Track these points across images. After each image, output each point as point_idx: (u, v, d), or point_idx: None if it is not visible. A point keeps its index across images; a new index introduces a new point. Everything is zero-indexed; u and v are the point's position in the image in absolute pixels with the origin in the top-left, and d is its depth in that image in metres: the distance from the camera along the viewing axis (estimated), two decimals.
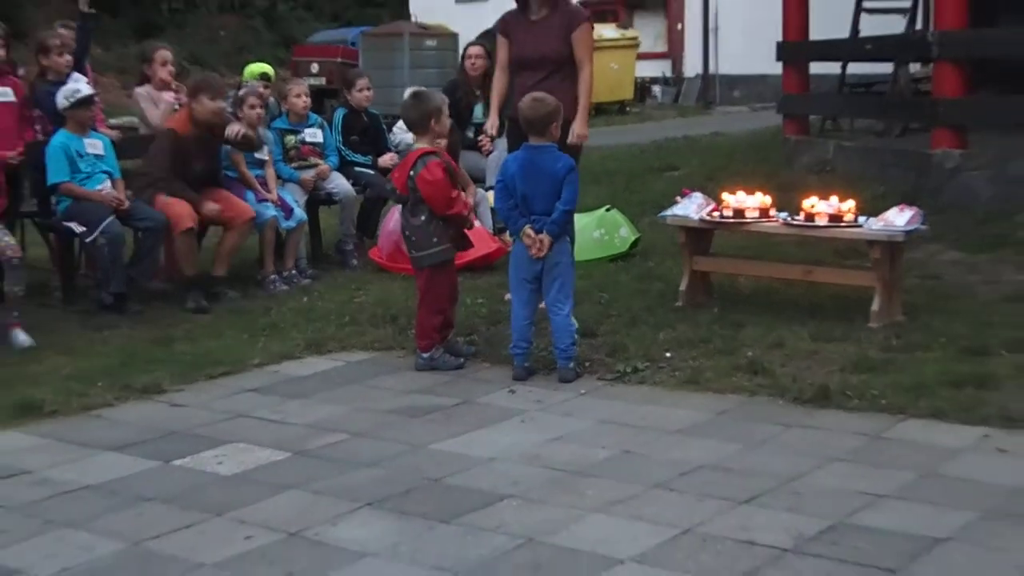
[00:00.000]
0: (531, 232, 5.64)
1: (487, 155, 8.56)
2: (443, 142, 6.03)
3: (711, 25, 26.52)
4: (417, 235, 5.92)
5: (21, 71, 8.31)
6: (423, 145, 5.95)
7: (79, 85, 7.49)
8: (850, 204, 6.59)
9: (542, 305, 5.89)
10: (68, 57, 7.92)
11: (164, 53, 8.57)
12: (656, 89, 26.48)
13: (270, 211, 8.06)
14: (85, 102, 7.35)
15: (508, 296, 6.90)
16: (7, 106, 7.43)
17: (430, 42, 23.31)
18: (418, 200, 5.86)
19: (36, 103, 7.79)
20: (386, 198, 8.90)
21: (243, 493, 4.38)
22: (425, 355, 5.97)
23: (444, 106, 6.05)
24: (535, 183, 5.70)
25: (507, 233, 6.86)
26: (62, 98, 7.33)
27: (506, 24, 7.04)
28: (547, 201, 5.69)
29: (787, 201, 7.09)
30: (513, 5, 7.01)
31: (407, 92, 9.45)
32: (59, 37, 8.12)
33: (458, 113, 7.44)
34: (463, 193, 6.00)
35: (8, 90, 7.44)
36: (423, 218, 5.87)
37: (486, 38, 10.72)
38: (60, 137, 7.31)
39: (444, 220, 5.89)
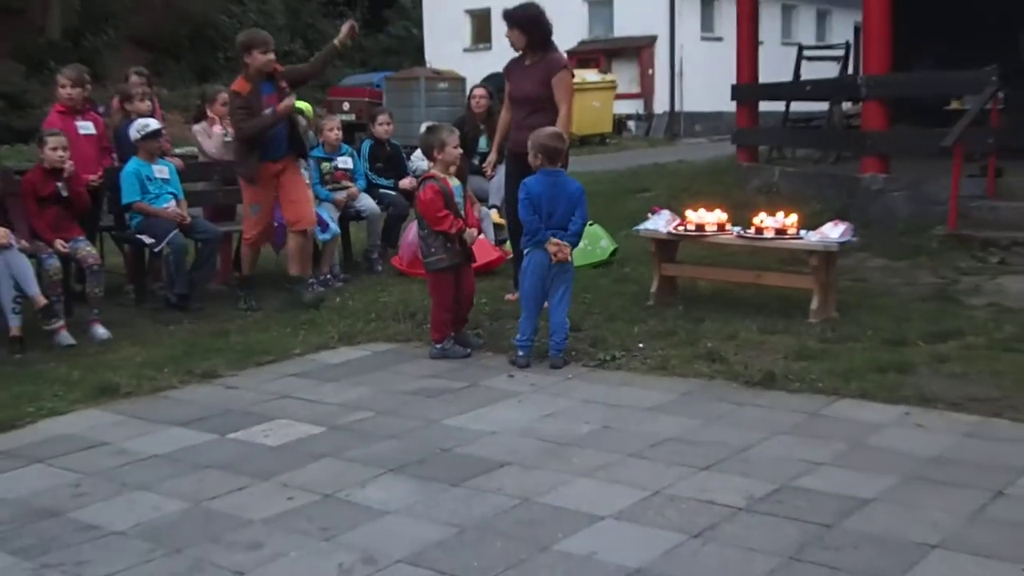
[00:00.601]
0: (558, 241, 5.65)
1: (490, 179, 8.56)
2: (453, 168, 6.02)
3: (676, 71, 26.61)
4: (423, 245, 5.96)
5: (101, 108, 8.30)
6: (433, 170, 5.97)
7: (149, 120, 7.51)
8: (793, 220, 6.60)
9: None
10: (148, 103, 7.95)
11: (223, 95, 8.58)
12: (631, 124, 26.53)
13: None
14: (153, 135, 7.37)
15: (508, 296, 6.92)
16: (89, 138, 7.46)
17: (442, 85, 23.32)
18: (420, 216, 5.89)
19: (118, 140, 7.80)
20: (405, 214, 8.92)
21: (286, 461, 4.39)
22: (438, 346, 5.98)
23: (449, 138, 6.01)
24: (557, 202, 5.71)
25: (507, 243, 6.85)
26: (134, 131, 7.36)
27: (508, 68, 7.06)
28: (564, 217, 5.72)
29: (740, 217, 7.08)
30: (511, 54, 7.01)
31: (423, 126, 9.49)
32: (140, 86, 8.15)
33: (465, 144, 7.44)
34: (457, 215, 5.89)
35: (90, 124, 7.48)
36: (426, 231, 5.90)
37: (489, 81, 10.74)
38: (132, 164, 7.33)
39: (439, 234, 5.89)
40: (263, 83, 6.79)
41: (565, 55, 7.05)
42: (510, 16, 6.71)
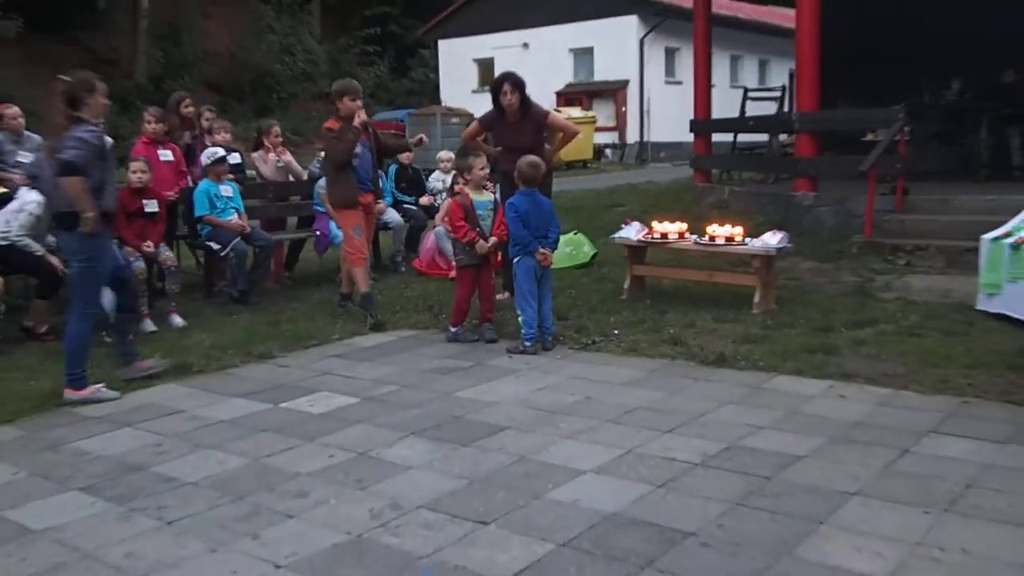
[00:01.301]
0: (544, 251, 5.67)
1: (493, 193, 8.55)
2: (481, 185, 6.06)
3: (645, 108, 26.61)
4: (453, 247, 5.98)
5: (188, 135, 8.27)
6: (465, 188, 6.05)
7: (217, 149, 7.53)
8: (739, 230, 6.62)
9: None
10: (226, 135, 7.97)
11: (276, 128, 8.60)
12: (608, 152, 26.49)
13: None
14: (220, 161, 7.38)
15: (499, 296, 6.82)
16: (168, 163, 7.49)
17: (454, 119, 23.25)
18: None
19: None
20: (424, 225, 8.91)
21: (327, 426, 4.38)
22: (453, 329, 5.97)
23: (476, 161, 6.04)
24: (539, 217, 5.73)
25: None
26: (205, 158, 7.39)
27: (488, 122, 6.90)
28: (542, 227, 5.75)
29: (697, 228, 7.07)
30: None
31: (442, 155, 9.50)
32: (219, 122, 8.17)
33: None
34: (476, 226, 5.85)
35: (169, 152, 7.52)
36: (453, 237, 5.91)
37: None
38: (203, 184, 7.34)
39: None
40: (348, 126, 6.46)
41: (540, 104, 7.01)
42: (516, 83, 6.55)
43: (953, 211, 8.42)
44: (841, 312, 6.21)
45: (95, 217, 4.69)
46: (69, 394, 4.84)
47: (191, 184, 7.64)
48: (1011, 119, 10.50)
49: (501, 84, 6.57)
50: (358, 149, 6.41)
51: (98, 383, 4.96)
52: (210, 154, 7.44)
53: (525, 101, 6.60)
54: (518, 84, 6.56)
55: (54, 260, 6.12)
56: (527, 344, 5.63)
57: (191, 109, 8.16)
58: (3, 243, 6.09)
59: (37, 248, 6.16)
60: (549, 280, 5.83)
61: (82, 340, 4.89)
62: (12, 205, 6.24)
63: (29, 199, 6.19)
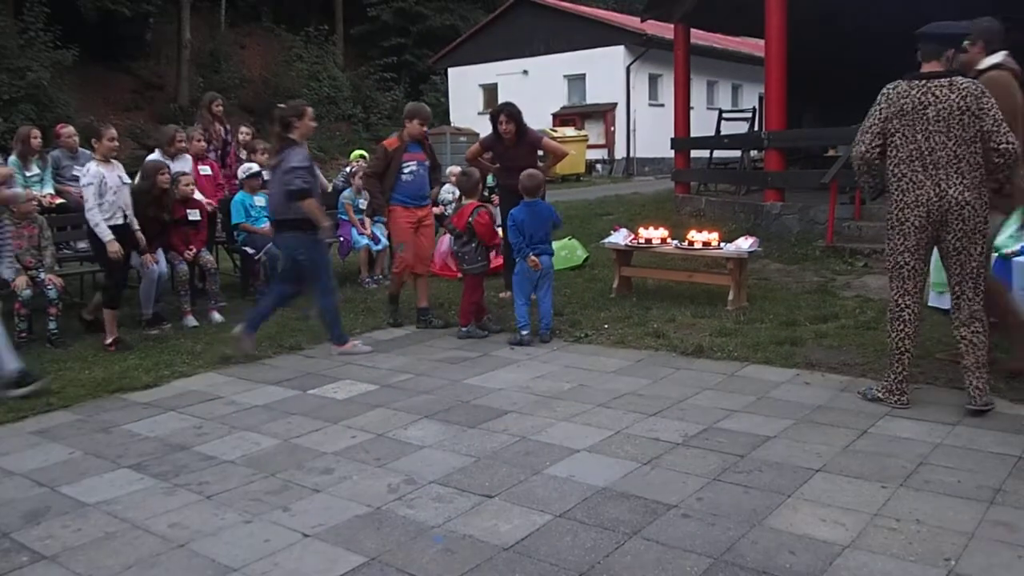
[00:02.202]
0: (533, 258, 5.64)
1: (495, 206, 8.53)
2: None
3: (631, 128, 26.57)
4: (467, 256, 5.89)
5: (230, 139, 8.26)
6: (472, 201, 5.96)
7: (251, 165, 7.53)
8: (715, 236, 6.59)
9: (532, 297, 5.85)
10: (267, 156, 7.91)
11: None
12: (598, 166, 26.44)
13: (364, 240, 8.06)
14: (255, 176, 7.36)
15: (501, 295, 6.85)
16: (207, 177, 7.46)
17: (463, 138, 23.19)
18: (472, 234, 5.82)
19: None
20: (435, 232, 8.85)
21: (350, 410, 4.37)
22: (464, 328, 5.95)
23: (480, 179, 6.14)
24: (536, 225, 5.69)
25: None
26: (241, 172, 7.38)
27: (488, 143, 6.90)
28: (543, 234, 5.73)
29: (677, 234, 7.07)
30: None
31: (451, 169, 9.47)
32: (262, 142, 8.14)
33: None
34: (499, 231, 6.02)
35: (207, 167, 7.46)
36: (473, 245, 5.85)
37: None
38: (239, 195, 7.34)
39: (485, 247, 5.89)
40: (411, 144, 6.21)
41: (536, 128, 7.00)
42: (512, 113, 6.55)
43: None
44: (805, 308, 6.20)
45: (330, 225, 5.54)
46: (335, 349, 5.49)
47: (227, 194, 7.63)
48: None
49: (499, 115, 6.61)
50: (413, 166, 6.22)
51: (354, 339, 5.58)
52: (245, 169, 7.46)
53: (520, 127, 6.60)
54: (513, 115, 6.59)
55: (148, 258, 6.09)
56: (523, 334, 5.64)
57: (221, 108, 8.10)
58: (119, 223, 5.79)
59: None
60: (549, 280, 5.81)
61: (333, 309, 5.54)
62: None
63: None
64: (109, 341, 5.76)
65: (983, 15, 4.47)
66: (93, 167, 5.66)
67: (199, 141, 7.38)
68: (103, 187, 5.63)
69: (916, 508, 2.99)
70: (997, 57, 4.24)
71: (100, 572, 2.73)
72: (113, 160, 5.79)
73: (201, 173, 7.43)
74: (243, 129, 8.49)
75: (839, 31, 11.55)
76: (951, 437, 3.68)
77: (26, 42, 21.74)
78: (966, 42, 4.22)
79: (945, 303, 5.87)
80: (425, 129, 6.27)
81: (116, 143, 5.76)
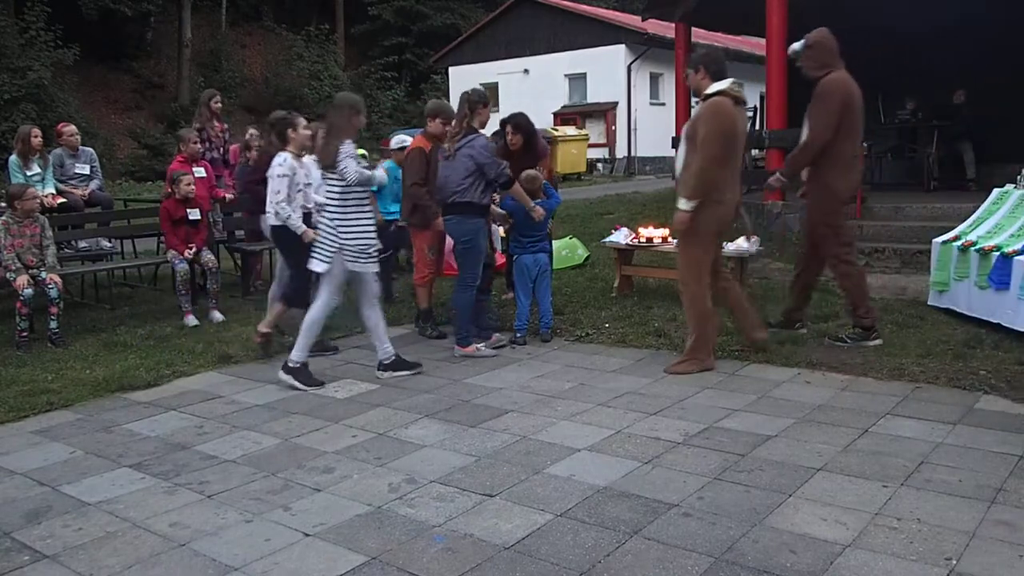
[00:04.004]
0: (540, 209, 5.63)
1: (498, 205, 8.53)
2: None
3: (632, 127, 26.56)
4: None
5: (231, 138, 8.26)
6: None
7: (405, 137, 7.21)
8: None
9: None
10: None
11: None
12: (599, 165, 26.44)
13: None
14: (403, 150, 7.14)
15: (504, 296, 6.84)
16: (202, 179, 7.31)
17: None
18: None
19: (240, 178, 7.75)
20: None
21: (351, 409, 4.37)
22: None
23: None
24: (534, 224, 5.65)
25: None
26: (394, 144, 7.22)
27: (496, 150, 6.78)
28: (537, 228, 5.69)
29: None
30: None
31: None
32: (259, 139, 8.12)
33: None
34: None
35: (202, 169, 7.37)
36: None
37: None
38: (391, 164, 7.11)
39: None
40: (438, 146, 5.94)
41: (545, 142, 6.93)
42: (519, 124, 6.35)
43: (906, 218, 8.40)
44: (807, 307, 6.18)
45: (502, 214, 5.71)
46: (457, 350, 5.33)
47: (229, 197, 7.63)
48: (962, 136, 10.47)
49: (506, 125, 6.56)
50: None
51: (480, 343, 5.40)
52: (399, 142, 7.14)
53: (529, 140, 6.41)
54: (520, 126, 6.42)
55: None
56: (518, 335, 5.64)
57: (219, 105, 8.08)
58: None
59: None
60: (548, 280, 5.81)
61: (466, 305, 5.34)
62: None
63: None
64: (265, 330, 5.49)
65: (980, 14, 4.59)
66: (288, 160, 5.25)
67: (194, 143, 7.36)
68: (294, 181, 5.27)
69: (917, 507, 2.99)
70: (723, 84, 4.64)
71: (101, 571, 2.73)
72: (304, 155, 5.39)
73: (195, 175, 7.40)
74: (250, 132, 8.45)
75: (840, 30, 11.53)
76: (952, 436, 3.68)
77: (27, 41, 21.77)
78: (690, 69, 4.77)
79: (945, 303, 5.89)
80: (447, 128, 6.04)
81: (309, 133, 5.38)
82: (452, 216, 5.35)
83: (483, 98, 5.41)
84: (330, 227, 4.75)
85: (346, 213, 4.72)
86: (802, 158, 5.15)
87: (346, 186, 4.68)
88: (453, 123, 5.42)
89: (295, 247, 5.24)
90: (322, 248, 4.78)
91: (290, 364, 4.83)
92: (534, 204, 5.61)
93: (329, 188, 4.78)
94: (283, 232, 5.30)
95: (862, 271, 5.34)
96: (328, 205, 4.78)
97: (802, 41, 5.16)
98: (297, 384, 4.78)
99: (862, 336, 5.17)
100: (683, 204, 4.69)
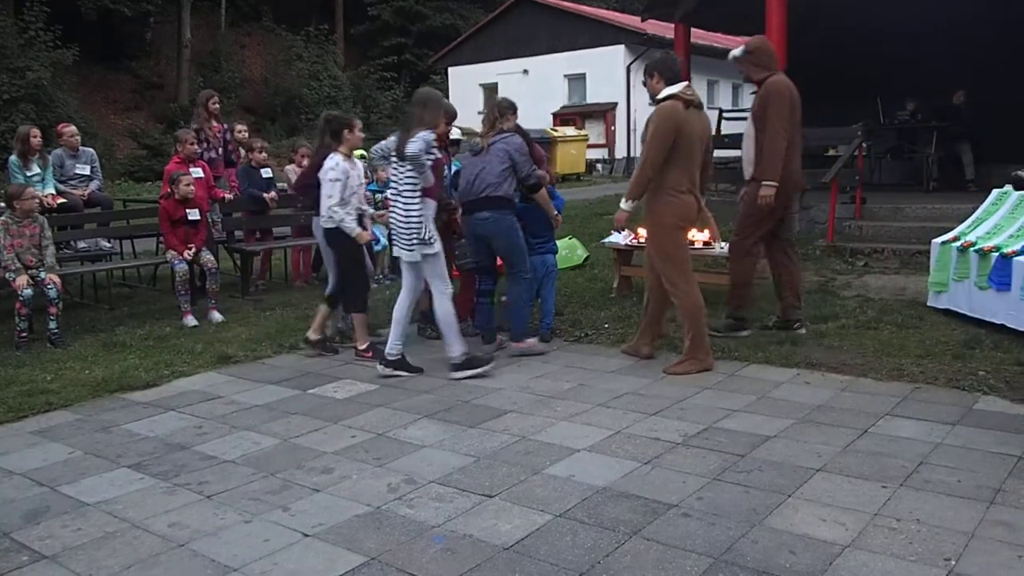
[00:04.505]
0: (559, 216, 5.76)
1: None
2: None
3: (631, 127, 26.53)
4: (459, 251, 5.86)
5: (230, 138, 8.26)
6: None
7: (455, 129, 7.29)
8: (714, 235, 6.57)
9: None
10: (264, 155, 7.92)
11: (304, 148, 8.56)
12: (598, 166, 26.44)
13: (384, 240, 8.09)
14: (456, 142, 7.13)
15: (502, 299, 6.77)
16: (199, 180, 7.29)
17: (464, 138, 23.26)
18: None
19: (245, 177, 7.75)
20: None
21: (350, 409, 4.37)
22: (460, 323, 5.90)
23: None
24: (537, 223, 5.65)
25: None
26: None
27: None
28: (543, 231, 5.70)
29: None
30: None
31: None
32: (259, 141, 8.15)
33: None
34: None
35: (199, 169, 7.33)
36: (463, 240, 5.83)
37: None
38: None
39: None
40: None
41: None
42: (517, 129, 6.42)
43: (905, 218, 8.40)
44: (806, 308, 6.16)
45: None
46: (512, 347, 5.35)
47: (229, 197, 7.63)
48: (961, 136, 10.48)
49: None
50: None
51: (532, 337, 5.40)
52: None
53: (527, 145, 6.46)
54: (517, 131, 6.46)
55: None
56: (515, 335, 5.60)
57: (218, 106, 8.08)
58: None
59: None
60: (553, 281, 5.79)
61: (524, 300, 5.34)
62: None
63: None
64: (364, 347, 5.39)
65: (975, 16, 4.67)
66: (341, 162, 5.16)
67: (191, 144, 7.35)
68: (347, 183, 5.19)
69: (916, 508, 2.99)
70: (675, 88, 4.80)
71: (100, 572, 2.73)
72: (354, 157, 5.37)
73: (193, 176, 7.39)
74: (239, 128, 8.48)
75: (840, 31, 11.55)
76: (951, 437, 3.68)
77: (26, 42, 21.75)
78: (645, 75, 4.96)
79: (943, 303, 5.89)
80: (449, 129, 6.04)
81: (363, 136, 5.41)
82: (486, 212, 5.25)
83: (513, 106, 5.50)
84: (408, 215, 4.80)
85: (421, 200, 4.80)
86: (775, 158, 5.32)
87: (421, 174, 4.76)
88: (483, 125, 5.46)
89: (349, 250, 5.25)
90: (406, 237, 4.83)
91: (389, 358, 4.93)
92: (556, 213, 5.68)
93: (408, 178, 4.80)
94: (337, 235, 5.24)
95: (755, 266, 5.72)
96: (403, 194, 4.82)
97: (741, 47, 5.47)
98: (401, 374, 4.93)
99: (732, 327, 5.51)
100: (623, 204, 5.00)
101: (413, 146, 4.69)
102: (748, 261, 5.63)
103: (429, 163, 4.82)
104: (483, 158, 5.30)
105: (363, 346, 5.41)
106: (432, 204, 4.97)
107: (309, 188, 5.58)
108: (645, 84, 4.97)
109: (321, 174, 5.22)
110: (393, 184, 4.93)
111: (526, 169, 5.30)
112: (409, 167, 4.78)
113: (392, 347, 4.98)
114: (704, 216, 5.59)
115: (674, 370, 4.84)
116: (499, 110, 5.43)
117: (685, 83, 4.86)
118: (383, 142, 5.20)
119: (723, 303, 5.77)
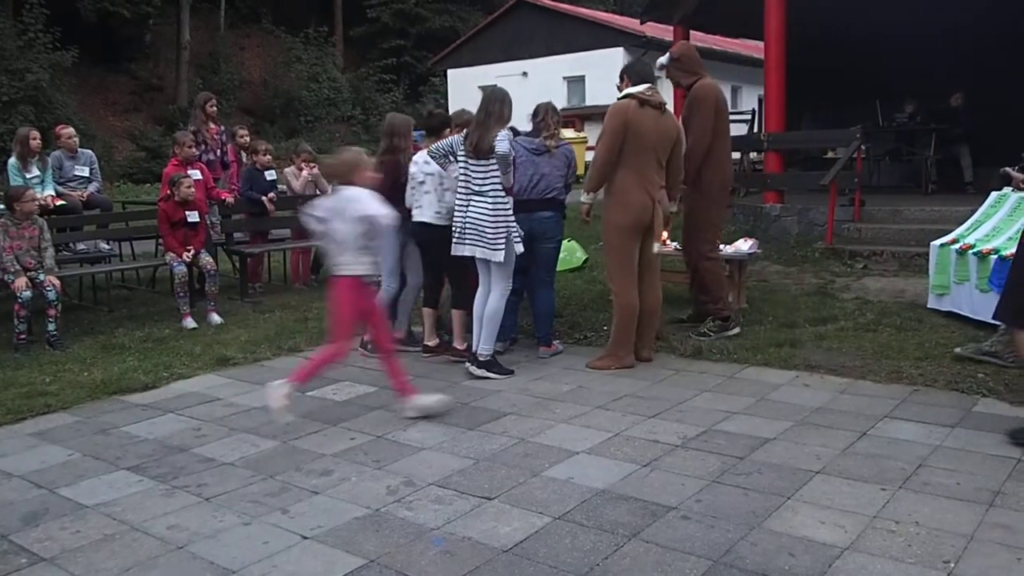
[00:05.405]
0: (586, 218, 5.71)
1: None
2: None
3: None
4: None
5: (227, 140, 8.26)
6: None
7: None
8: None
9: None
10: (268, 157, 7.91)
11: (304, 149, 8.58)
12: None
13: None
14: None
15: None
16: (197, 182, 7.26)
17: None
18: None
19: (249, 181, 7.75)
20: None
21: (349, 411, 4.37)
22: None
23: None
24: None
25: None
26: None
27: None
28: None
29: (677, 235, 7.03)
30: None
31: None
32: (264, 143, 8.15)
33: None
34: None
35: (197, 172, 7.29)
36: None
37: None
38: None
39: None
40: None
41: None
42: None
43: (904, 220, 8.41)
44: (805, 310, 6.19)
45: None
46: (543, 351, 5.36)
47: (231, 201, 7.62)
48: (960, 139, 10.49)
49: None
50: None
51: (556, 341, 5.46)
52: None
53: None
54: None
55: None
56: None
57: (215, 108, 8.07)
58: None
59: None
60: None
61: (552, 305, 5.47)
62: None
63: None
64: (435, 344, 5.40)
65: (973, 19, 4.68)
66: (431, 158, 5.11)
67: (189, 147, 7.34)
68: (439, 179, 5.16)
69: (915, 510, 2.99)
70: (636, 88, 4.94)
71: (99, 574, 2.73)
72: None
73: (191, 178, 7.39)
74: (241, 132, 8.47)
75: (838, 33, 11.57)
76: (950, 439, 3.68)
77: (25, 44, 21.75)
78: (619, 80, 5.13)
79: (945, 305, 5.90)
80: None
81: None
82: (548, 212, 5.28)
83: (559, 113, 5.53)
84: (496, 214, 4.74)
85: (505, 197, 4.79)
86: (694, 161, 5.41)
87: (506, 172, 4.73)
88: (540, 128, 5.29)
89: (446, 247, 4.98)
90: (491, 236, 4.75)
91: (480, 358, 4.90)
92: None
93: (493, 177, 4.74)
94: (444, 233, 5.03)
95: (720, 266, 5.81)
96: (488, 193, 4.76)
97: (667, 55, 5.69)
98: (492, 375, 4.88)
99: (722, 328, 5.55)
100: (582, 196, 5.26)
101: (502, 144, 4.63)
102: (717, 264, 5.77)
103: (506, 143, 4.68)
104: (547, 160, 5.29)
105: (463, 346, 5.25)
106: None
107: (396, 192, 5.16)
108: (619, 88, 5.09)
109: (412, 171, 5.20)
110: (463, 183, 4.82)
111: (572, 177, 5.44)
112: (493, 165, 4.69)
113: (482, 348, 4.91)
114: (660, 215, 5.23)
115: (595, 364, 5.03)
116: (557, 115, 5.45)
117: (648, 84, 4.97)
118: (442, 141, 5.08)
119: (690, 302, 5.97)
